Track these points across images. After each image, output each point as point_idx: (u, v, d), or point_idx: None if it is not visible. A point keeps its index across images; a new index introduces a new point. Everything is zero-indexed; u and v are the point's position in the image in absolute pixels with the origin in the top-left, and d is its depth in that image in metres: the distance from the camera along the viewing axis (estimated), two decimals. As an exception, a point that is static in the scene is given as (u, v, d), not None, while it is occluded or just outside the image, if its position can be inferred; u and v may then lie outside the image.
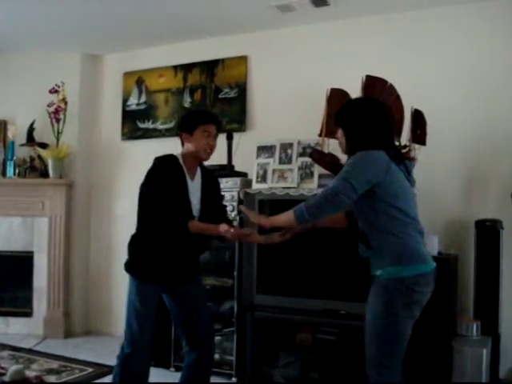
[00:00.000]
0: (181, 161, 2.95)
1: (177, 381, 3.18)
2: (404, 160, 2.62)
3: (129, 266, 2.98)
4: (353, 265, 3.65)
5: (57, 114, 5.21)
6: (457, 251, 3.85)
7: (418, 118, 3.68)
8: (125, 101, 5.46)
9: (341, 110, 2.71)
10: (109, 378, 4.07)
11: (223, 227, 2.78)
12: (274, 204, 3.88)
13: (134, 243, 2.98)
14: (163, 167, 2.89)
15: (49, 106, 5.20)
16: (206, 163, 4.25)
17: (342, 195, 2.42)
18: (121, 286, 5.29)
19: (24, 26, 4.77)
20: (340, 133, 2.68)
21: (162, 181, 2.84)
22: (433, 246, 3.60)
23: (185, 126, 2.99)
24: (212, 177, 3.16)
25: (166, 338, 4.21)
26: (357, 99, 2.93)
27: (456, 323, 3.56)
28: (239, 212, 3.96)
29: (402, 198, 2.49)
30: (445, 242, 3.83)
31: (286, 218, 2.58)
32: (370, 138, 2.54)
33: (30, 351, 4.72)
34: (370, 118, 2.58)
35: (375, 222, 2.50)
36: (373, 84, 3.68)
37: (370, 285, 2.59)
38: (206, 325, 3.10)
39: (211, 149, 2.99)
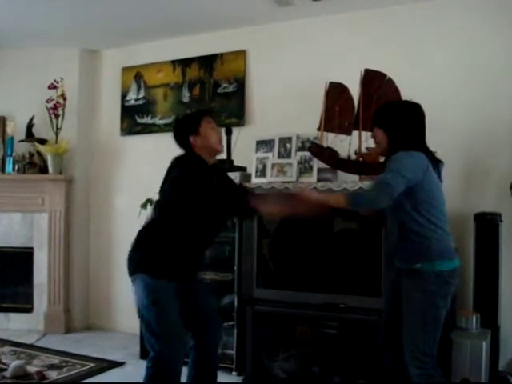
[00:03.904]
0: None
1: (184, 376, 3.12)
2: (438, 163, 2.80)
3: (142, 266, 2.87)
4: (353, 258, 3.67)
5: (56, 110, 5.20)
6: (456, 244, 3.83)
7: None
8: (123, 96, 5.46)
9: (381, 112, 2.83)
10: (111, 372, 4.11)
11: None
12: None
13: (149, 244, 2.91)
14: (202, 176, 2.83)
15: (48, 101, 5.19)
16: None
17: (395, 187, 2.53)
18: (121, 281, 5.32)
19: (23, 21, 4.76)
20: (380, 134, 2.78)
21: (205, 190, 2.78)
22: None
23: (188, 128, 2.95)
24: (218, 169, 3.16)
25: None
26: (398, 102, 2.99)
27: (455, 316, 3.56)
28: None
29: (437, 197, 2.67)
30: (444, 235, 3.83)
31: (336, 199, 2.69)
32: (411, 139, 2.70)
33: (30, 347, 4.73)
34: (411, 121, 2.75)
35: (413, 219, 2.64)
36: (371, 77, 3.69)
37: (399, 277, 2.76)
38: (211, 320, 3.09)
39: (221, 139, 3.03)
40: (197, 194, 2.76)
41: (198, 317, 3.06)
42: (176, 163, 2.94)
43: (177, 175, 2.84)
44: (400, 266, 2.78)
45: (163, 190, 2.93)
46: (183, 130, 2.98)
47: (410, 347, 2.66)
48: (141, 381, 2.91)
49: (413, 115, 2.77)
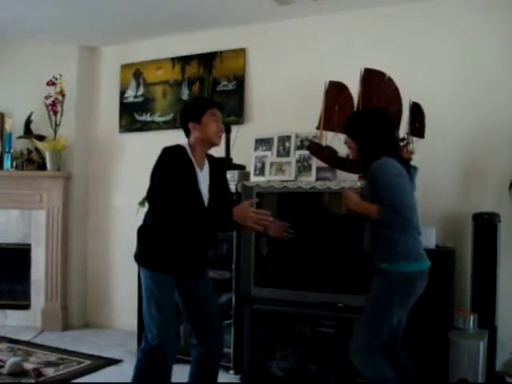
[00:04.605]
0: (189, 151, 2.92)
1: (185, 373, 3.15)
2: (411, 169, 2.88)
3: (142, 259, 2.94)
4: (351, 258, 3.67)
5: (54, 107, 5.20)
6: (454, 244, 3.86)
7: (417, 110, 3.68)
8: (122, 93, 5.45)
9: (350, 121, 2.92)
10: (108, 370, 4.11)
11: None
12: (272, 197, 3.89)
13: (146, 235, 2.94)
14: (173, 158, 2.84)
15: (46, 98, 5.19)
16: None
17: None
18: (119, 278, 5.32)
19: (21, 18, 4.75)
20: (350, 142, 2.90)
21: (174, 172, 2.80)
22: (430, 239, 3.61)
23: (191, 114, 2.96)
24: (220, 165, 3.16)
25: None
26: (365, 110, 3.05)
27: (453, 316, 3.57)
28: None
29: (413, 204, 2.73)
30: (442, 235, 3.84)
31: (372, 211, 2.73)
32: (381, 146, 2.78)
33: (28, 343, 4.73)
34: (380, 128, 2.83)
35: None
36: (371, 77, 3.69)
37: (372, 276, 2.85)
38: (214, 318, 3.09)
39: (222, 133, 3.03)
40: (174, 179, 2.78)
41: (200, 316, 3.07)
42: (160, 153, 2.92)
43: (156, 165, 2.86)
44: (373, 265, 2.88)
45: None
46: (187, 114, 2.99)
47: (355, 341, 2.83)
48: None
49: (381, 123, 2.84)
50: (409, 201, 2.67)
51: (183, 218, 2.80)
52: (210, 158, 3.07)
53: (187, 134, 2.98)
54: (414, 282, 2.76)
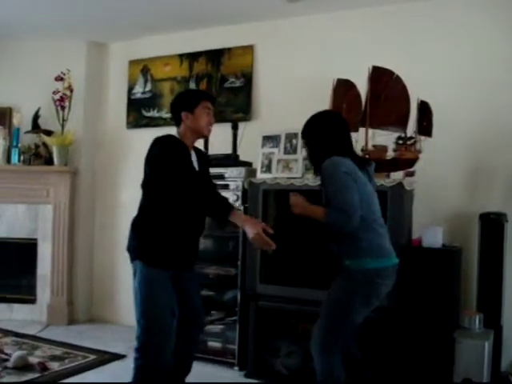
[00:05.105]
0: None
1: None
2: (366, 165, 2.90)
3: (138, 252, 2.90)
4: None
5: (62, 102, 5.21)
6: (461, 244, 3.84)
7: (425, 109, 3.67)
8: (130, 89, 5.45)
9: (305, 124, 2.93)
10: (112, 365, 4.12)
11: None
12: (279, 194, 3.88)
13: (141, 227, 2.94)
14: (171, 145, 2.88)
15: (54, 93, 5.20)
16: (210, 153, 4.29)
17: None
18: (125, 273, 5.31)
19: (30, 13, 4.76)
20: (303, 144, 2.99)
21: (176, 156, 2.83)
22: (436, 238, 3.61)
23: (185, 104, 3.00)
24: (203, 154, 3.22)
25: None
26: (317, 113, 3.01)
27: (458, 315, 3.56)
28: (244, 202, 3.97)
29: (365, 200, 2.72)
30: (449, 234, 3.82)
31: (318, 214, 2.74)
32: (331, 146, 2.79)
33: (33, 337, 4.74)
34: (328, 129, 2.85)
35: None
36: (379, 75, 3.68)
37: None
38: (199, 311, 3.17)
39: (212, 125, 3.05)
40: (170, 169, 2.80)
41: (184, 309, 3.10)
42: (153, 143, 2.96)
43: (151, 154, 2.92)
44: (339, 264, 2.86)
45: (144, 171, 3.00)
46: (180, 103, 3.04)
47: (313, 337, 2.79)
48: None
49: (330, 124, 2.87)
50: (355, 200, 2.63)
51: (195, 197, 2.81)
52: (196, 149, 3.12)
53: (178, 123, 3.03)
54: (376, 281, 2.72)
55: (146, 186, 2.97)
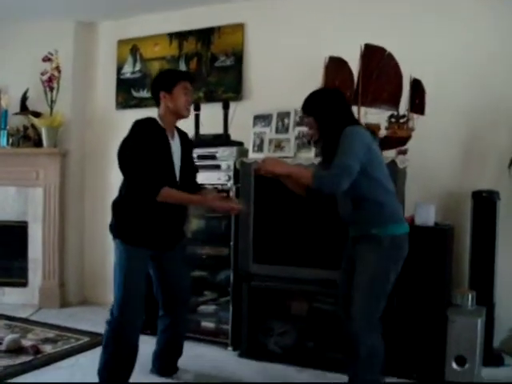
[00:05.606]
0: (160, 122, 2.98)
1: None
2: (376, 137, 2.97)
3: (116, 231, 3.01)
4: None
5: (50, 83, 5.14)
6: (453, 222, 3.85)
7: (417, 87, 3.64)
8: (119, 69, 5.39)
9: (309, 101, 2.88)
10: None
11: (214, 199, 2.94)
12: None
13: (119, 207, 3.01)
14: (145, 130, 2.91)
15: (42, 74, 5.13)
16: (202, 132, 4.26)
17: (353, 168, 2.61)
18: (116, 255, 5.30)
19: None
20: (311, 121, 2.85)
21: (144, 143, 2.86)
22: (429, 216, 3.60)
23: (163, 84, 3.01)
24: (186, 137, 3.24)
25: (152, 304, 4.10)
26: (321, 89, 3.07)
27: (451, 293, 3.57)
28: (236, 182, 3.95)
29: (382, 168, 2.79)
30: (441, 212, 3.83)
31: (305, 174, 2.70)
32: (343, 120, 2.76)
33: (25, 321, 4.72)
34: (336, 105, 2.84)
35: (363, 187, 2.71)
36: (371, 52, 3.65)
37: (353, 246, 2.88)
38: (183, 291, 3.23)
39: (190, 105, 3.07)
40: (138, 149, 2.85)
41: (169, 289, 3.19)
42: (132, 127, 2.99)
43: (127, 137, 2.95)
44: (355, 234, 2.88)
45: None
46: (159, 83, 3.05)
47: (356, 308, 2.74)
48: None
49: (336, 100, 2.86)
50: (354, 168, 2.60)
51: (141, 190, 2.86)
52: (179, 130, 3.15)
53: (158, 103, 3.05)
54: (403, 245, 2.78)
55: (120, 166, 3.00)
